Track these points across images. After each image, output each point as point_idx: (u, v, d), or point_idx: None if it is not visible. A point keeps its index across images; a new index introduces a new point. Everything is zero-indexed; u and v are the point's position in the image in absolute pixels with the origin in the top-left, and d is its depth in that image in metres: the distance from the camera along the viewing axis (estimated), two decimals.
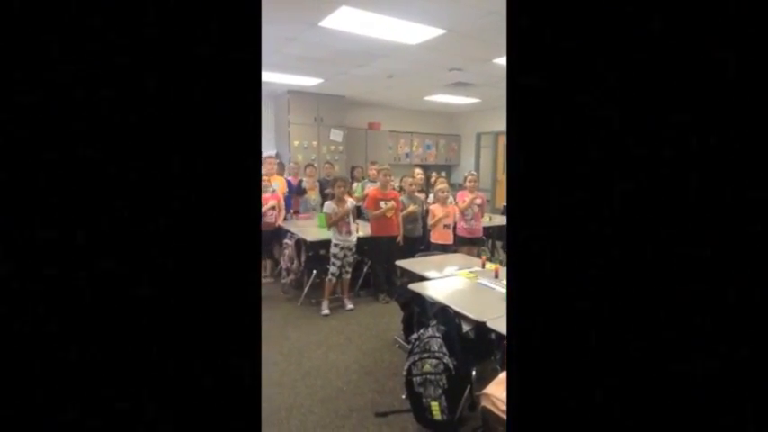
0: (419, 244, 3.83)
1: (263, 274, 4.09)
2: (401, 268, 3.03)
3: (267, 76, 4.80)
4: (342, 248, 3.36)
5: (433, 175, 5.51)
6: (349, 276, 3.49)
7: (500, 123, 7.07)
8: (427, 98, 6.24)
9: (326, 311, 3.35)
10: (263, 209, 4.01)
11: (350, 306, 3.46)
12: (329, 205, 3.32)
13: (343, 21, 2.97)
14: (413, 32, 3.21)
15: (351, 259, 3.45)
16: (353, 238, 3.42)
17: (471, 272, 2.61)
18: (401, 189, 4.10)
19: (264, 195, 4.07)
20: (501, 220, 4.70)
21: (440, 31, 3.18)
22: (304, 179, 4.75)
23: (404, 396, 2.04)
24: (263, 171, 4.45)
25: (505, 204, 5.27)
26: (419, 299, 2.23)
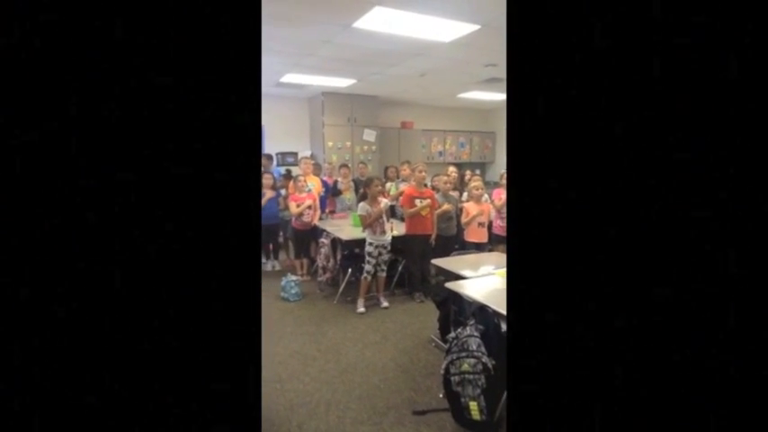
0: (453, 243, 3.79)
1: (299, 272, 4.19)
2: (436, 267, 3.02)
3: (302, 79, 4.90)
4: (376, 247, 3.38)
5: (468, 173, 5.44)
6: (384, 275, 3.51)
7: None
8: (461, 95, 6.17)
9: (362, 309, 3.38)
10: (300, 208, 4.10)
11: (385, 304, 3.48)
12: (363, 206, 3.35)
13: (376, 21, 2.99)
14: (446, 29, 3.19)
15: (386, 258, 3.47)
16: (388, 237, 3.44)
17: None
18: (435, 188, 4.08)
19: (301, 195, 4.16)
20: None
21: (474, 27, 3.13)
22: (339, 179, 4.83)
23: (441, 395, 2.03)
24: (300, 171, 4.56)
25: None
26: (456, 298, 2.22)
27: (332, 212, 4.67)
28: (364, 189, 3.43)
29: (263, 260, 4.74)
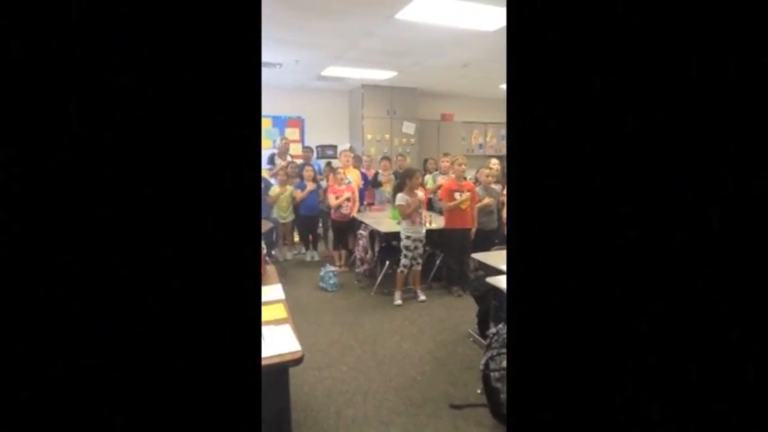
0: (494, 237, 3.72)
1: (337, 263, 4.25)
2: (476, 261, 2.97)
3: (343, 72, 4.94)
4: (413, 240, 3.37)
5: None
6: (419, 268, 3.50)
7: None
8: (503, 86, 6.00)
9: (399, 302, 3.39)
10: (339, 200, 4.15)
11: (422, 297, 3.48)
12: (402, 197, 3.35)
13: (419, 11, 2.95)
14: (491, 18, 3.10)
15: (421, 251, 3.46)
16: (424, 230, 3.42)
17: None
18: (476, 181, 4.01)
19: (340, 188, 4.21)
20: None
21: None
22: (380, 171, 4.84)
23: (479, 390, 2.01)
24: (340, 164, 4.61)
25: None
26: (497, 293, 2.17)
27: (370, 204, 4.70)
28: (402, 180, 3.41)
29: (303, 250, 4.85)
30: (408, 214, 3.33)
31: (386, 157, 5.00)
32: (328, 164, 5.23)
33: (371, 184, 4.80)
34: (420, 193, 3.42)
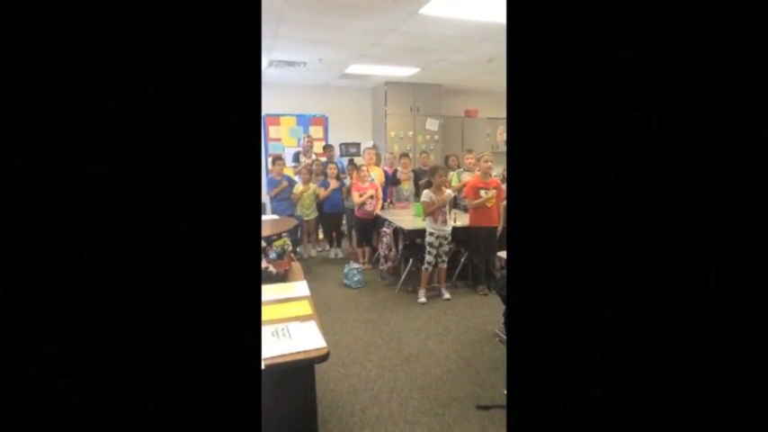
0: None
1: (361, 261, 4.26)
2: (501, 260, 2.91)
3: (366, 69, 4.93)
4: (437, 237, 3.34)
5: None
6: (445, 266, 3.46)
7: None
8: None
9: (423, 300, 3.37)
10: (363, 198, 4.15)
11: (447, 296, 3.44)
12: (427, 194, 3.31)
13: (443, 6, 2.91)
14: None
15: (446, 248, 3.42)
16: (449, 228, 3.38)
17: None
18: (503, 177, 3.93)
19: (363, 185, 4.21)
20: None
21: None
22: (399, 169, 4.81)
23: (506, 392, 1.96)
24: (363, 161, 4.62)
25: None
26: None
27: (391, 203, 4.69)
28: (429, 178, 3.38)
29: (327, 247, 4.89)
30: (431, 212, 3.29)
31: (405, 155, 4.95)
32: (351, 161, 5.23)
33: (390, 181, 4.77)
34: (448, 191, 3.38)
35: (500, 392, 2.09)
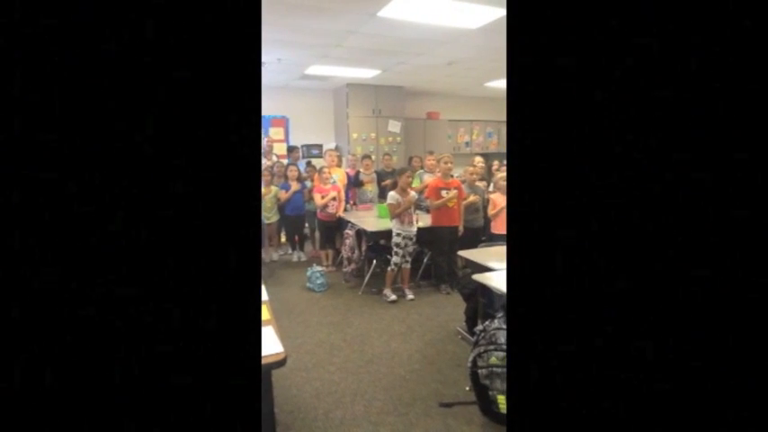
0: (480, 235, 3.73)
1: (325, 263, 4.22)
2: (463, 259, 2.97)
3: (327, 71, 4.90)
4: (404, 238, 3.36)
5: (495, 163, 5.32)
6: (409, 266, 3.49)
7: None
8: (488, 84, 6.03)
9: (393, 297, 3.38)
10: (325, 200, 4.12)
11: (410, 296, 3.46)
12: (393, 195, 3.33)
13: (402, 9, 2.94)
14: (474, 15, 3.10)
15: (411, 249, 3.45)
16: (414, 229, 3.41)
17: None
18: (462, 179, 4.01)
19: (325, 187, 4.17)
20: None
21: (502, 12, 3.03)
22: (361, 170, 4.81)
23: (468, 388, 2.00)
24: (325, 163, 4.58)
25: None
26: (485, 290, 2.17)
27: (354, 204, 4.67)
28: (394, 179, 3.40)
29: (290, 251, 4.80)
30: (397, 214, 3.31)
31: (367, 156, 4.96)
32: (308, 163, 5.17)
33: (353, 183, 4.76)
34: (413, 193, 3.41)
35: (462, 389, 2.12)
